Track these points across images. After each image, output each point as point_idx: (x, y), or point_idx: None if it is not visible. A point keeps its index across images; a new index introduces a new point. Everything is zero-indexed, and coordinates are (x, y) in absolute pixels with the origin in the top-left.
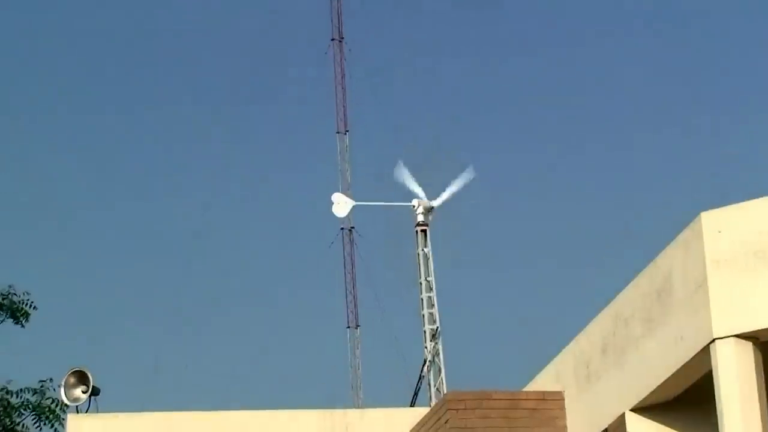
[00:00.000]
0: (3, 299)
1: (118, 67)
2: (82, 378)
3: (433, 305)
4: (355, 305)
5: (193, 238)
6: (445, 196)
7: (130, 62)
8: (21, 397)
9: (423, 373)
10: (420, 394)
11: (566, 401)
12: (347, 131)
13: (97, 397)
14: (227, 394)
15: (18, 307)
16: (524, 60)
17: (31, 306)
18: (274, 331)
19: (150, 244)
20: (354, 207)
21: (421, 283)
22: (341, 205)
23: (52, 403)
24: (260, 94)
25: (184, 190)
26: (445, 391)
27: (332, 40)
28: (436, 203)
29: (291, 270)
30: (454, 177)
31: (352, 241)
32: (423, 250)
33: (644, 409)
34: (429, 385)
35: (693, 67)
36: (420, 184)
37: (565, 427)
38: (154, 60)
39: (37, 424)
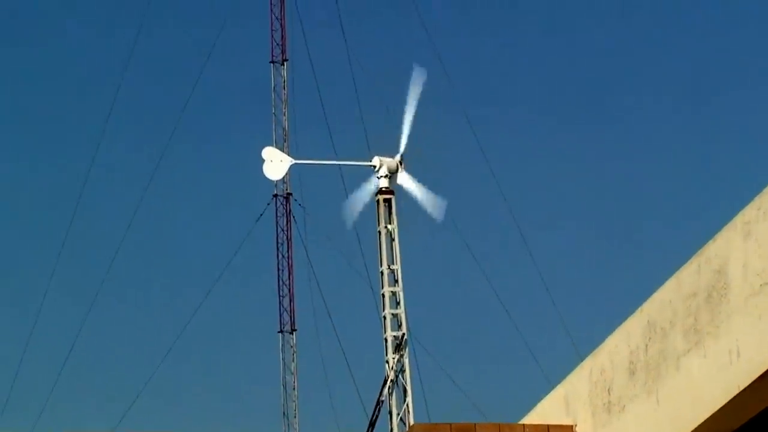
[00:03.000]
0: None
1: None
2: None
3: (398, 304)
4: (291, 301)
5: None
6: (405, 132)
7: None
8: None
9: (382, 398)
10: (378, 425)
11: None
12: (286, 60)
13: None
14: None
15: None
16: None
17: None
18: (185, 342)
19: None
20: (292, 166)
21: (382, 273)
22: (275, 163)
23: None
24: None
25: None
26: (411, 423)
27: None
28: (400, 153)
29: (205, 253)
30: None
31: (288, 213)
32: (386, 227)
33: None
34: (390, 413)
35: None
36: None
37: None
38: None
39: None
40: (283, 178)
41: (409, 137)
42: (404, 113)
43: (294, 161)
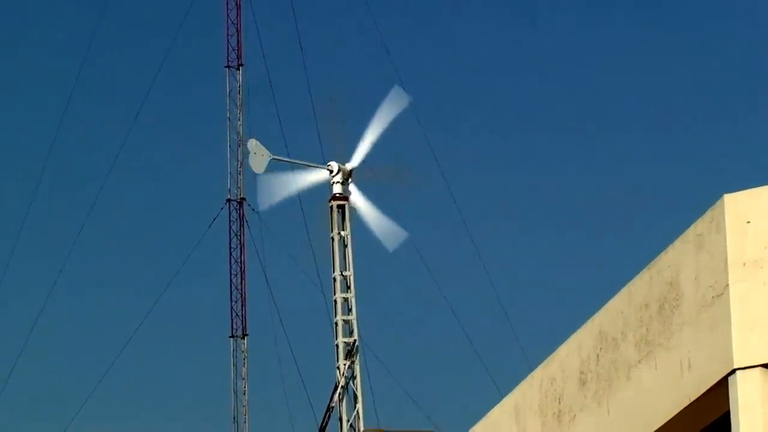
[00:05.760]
0: None
1: None
2: None
3: (350, 310)
4: (243, 306)
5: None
6: (365, 146)
7: None
8: None
9: (333, 404)
10: (329, 431)
11: None
12: (241, 65)
13: None
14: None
15: None
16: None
17: None
18: (139, 341)
19: None
20: (270, 162)
21: (335, 279)
22: (258, 156)
23: None
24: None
25: None
26: (362, 429)
27: None
28: (353, 164)
29: (158, 257)
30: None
31: (241, 218)
32: (340, 233)
33: None
34: (340, 420)
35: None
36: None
37: None
38: None
39: None
40: (237, 182)
41: (368, 153)
42: (369, 127)
43: (272, 157)
